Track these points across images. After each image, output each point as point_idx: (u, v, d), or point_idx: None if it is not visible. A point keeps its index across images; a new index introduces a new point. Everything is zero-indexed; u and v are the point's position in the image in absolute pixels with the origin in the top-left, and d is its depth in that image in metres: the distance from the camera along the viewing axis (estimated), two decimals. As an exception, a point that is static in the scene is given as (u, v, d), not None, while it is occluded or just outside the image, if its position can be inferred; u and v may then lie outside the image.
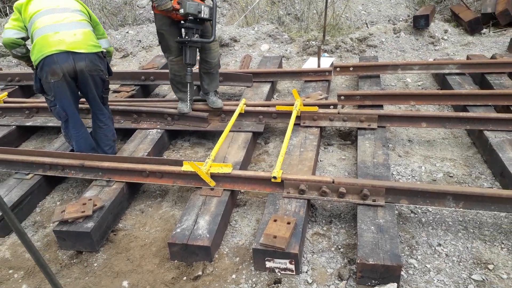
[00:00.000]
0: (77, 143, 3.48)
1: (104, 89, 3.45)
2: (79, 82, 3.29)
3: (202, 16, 3.48)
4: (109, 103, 4.32)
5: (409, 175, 3.37)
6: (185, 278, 2.57)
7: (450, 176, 3.34)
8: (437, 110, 4.35)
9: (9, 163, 3.51)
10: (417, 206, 2.91)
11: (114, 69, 6.14)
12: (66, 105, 3.30)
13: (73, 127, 3.43)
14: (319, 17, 7.20)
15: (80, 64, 3.16)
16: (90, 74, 3.24)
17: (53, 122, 4.33)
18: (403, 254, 2.61)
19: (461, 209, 2.73)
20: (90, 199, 2.99)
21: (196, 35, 3.58)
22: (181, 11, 3.39)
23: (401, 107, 4.41)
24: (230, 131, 3.70)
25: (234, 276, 2.56)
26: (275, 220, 2.66)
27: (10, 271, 2.79)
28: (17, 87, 5.27)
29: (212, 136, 4.18)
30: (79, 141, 3.47)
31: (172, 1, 3.40)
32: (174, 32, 3.62)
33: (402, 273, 2.44)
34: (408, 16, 7.20)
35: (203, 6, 3.47)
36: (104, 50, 3.39)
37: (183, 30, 3.58)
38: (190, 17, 3.44)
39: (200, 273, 2.56)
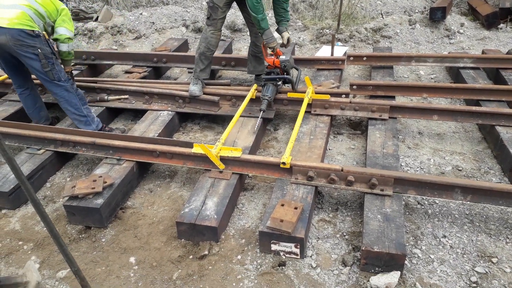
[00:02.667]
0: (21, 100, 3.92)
1: (42, 65, 3.49)
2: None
3: (290, 74, 3.91)
4: (121, 83, 4.36)
5: (418, 167, 3.36)
6: (191, 256, 2.62)
7: (458, 170, 3.33)
8: (449, 104, 4.32)
9: (21, 137, 3.56)
10: (425, 197, 2.92)
11: (127, 49, 6.15)
12: (2, 68, 3.71)
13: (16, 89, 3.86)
14: (334, 6, 7.13)
15: (1, 38, 3.31)
16: (15, 49, 3.38)
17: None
18: (407, 244, 2.63)
19: (469, 202, 2.73)
20: (101, 176, 3.03)
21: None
22: (283, 57, 3.83)
23: (413, 99, 4.38)
24: (240, 116, 3.71)
25: (239, 257, 2.60)
26: (282, 205, 2.69)
27: (20, 243, 2.85)
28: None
29: (222, 121, 4.20)
30: (21, 99, 3.89)
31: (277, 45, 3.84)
32: (226, 10, 3.91)
33: (406, 262, 2.46)
34: (425, 8, 7.09)
35: (294, 69, 4.01)
36: (39, 30, 3.42)
37: (269, 72, 3.94)
38: (285, 67, 3.82)
39: (206, 252, 2.61)
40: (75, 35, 6.55)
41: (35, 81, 3.99)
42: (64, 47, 3.66)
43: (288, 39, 3.98)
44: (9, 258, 2.72)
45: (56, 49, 3.64)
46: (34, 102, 3.90)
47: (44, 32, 3.49)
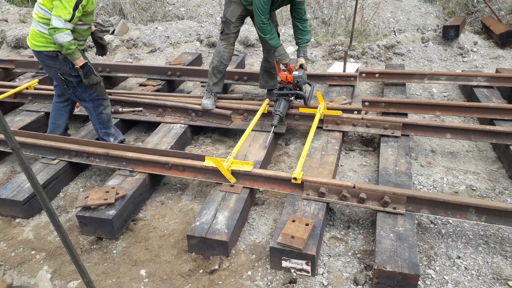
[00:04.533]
0: None
1: (65, 86, 3.48)
2: None
3: (302, 89, 3.91)
4: (135, 96, 4.42)
5: (431, 186, 3.33)
6: (201, 271, 2.61)
7: (472, 190, 3.29)
8: (463, 122, 4.28)
9: (37, 147, 3.61)
10: (438, 216, 2.88)
11: (141, 63, 6.25)
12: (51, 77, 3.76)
13: None
14: (347, 22, 7.18)
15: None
16: (45, 68, 3.52)
17: (81, 111, 4.44)
18: (421, 264, 2.59)
19: (483, 223, 2.69)
20: (113, 188, 3.06)
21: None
22: (296, 73, 3.83)
23: (425, 117, 4.36)
24: (252, 130, 3.73)
25: (250, 272, 2.58)
26: (293, 221, 2.67)
27: (33, 252, 2.87)
28: (47, 75, 5.41)
29: (233, 134, 4.22)
30: (52, 106, 3.90)
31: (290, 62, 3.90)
32: (239, 25, 3.98)
33: (419, 282, 2.42)
34: (438, 26, 7.11)
35: (307, 84, 4.04)
36: (55, 50, 3.29)
37: (282, 87, 3.98)
38: (298, 82, 3.83)
39: (216, 267, 2.60)
40: (91, 47, 6.67)
41: None
42: (56, 41, 3.13)
43: (301, 66, 3.92)
44: (22, 267, 2.74)
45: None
46: (58, 117, 3.85)
47: None
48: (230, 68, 5.07)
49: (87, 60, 3.36)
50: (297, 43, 4.00)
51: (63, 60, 3.34)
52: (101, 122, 3.70)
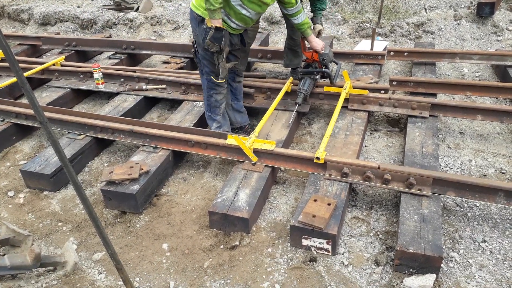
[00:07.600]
0: None
1: (194, 52, 3.40)
2: None
3: (329, 67, 3.83)
4: (159, 73, 4.42)
5: (458, 168, 3.23)
6: (222, 246, 2.64)
7: (502, 173, 3.17)
8: (495, 103, 4.11)
9: (63, 123, 3.69)
10: (464, 199, 2.80)
11: (165, 40, 6.24)
12: None
13: None
14: (374, -1, 6.93)
15: None
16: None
17: (105, 87, 4.49)
18: (444, 247, 2.54)
19: (512, 208, 2.61)
20: (137, 163, 3.10)
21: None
22: (323, 51, 3.72)
23: (455, 97, 4.20)
24: (274, 109, 3.69)
25: (270, 249, 2.59)
26: (315, 200, 2.66)
27: (59, 224, 2.96)
28: (73, 52, 5.49)
29: (256, 113, 4.18)
30: None
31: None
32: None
33: (442, 265, 2.38)
34: (471, 3, 6.77)
35: (333, 62, 3.90)
36: (202, 16, 3.08)
37: (307, 65, 3.88)
38: (324, 61, 3.74)
39: (237, 243, 2.62)
40: (116, 24, 6.70)
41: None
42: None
43: (319, 32, 3.88)
44: (49, 238, 2.84)
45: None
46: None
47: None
48: (254, 45, 4.99)
49: (224, 28, 3.02)
50: (312, 11, 3.95)
51: (203, 29, 3.13)
52: (208, 104, 3.51)
